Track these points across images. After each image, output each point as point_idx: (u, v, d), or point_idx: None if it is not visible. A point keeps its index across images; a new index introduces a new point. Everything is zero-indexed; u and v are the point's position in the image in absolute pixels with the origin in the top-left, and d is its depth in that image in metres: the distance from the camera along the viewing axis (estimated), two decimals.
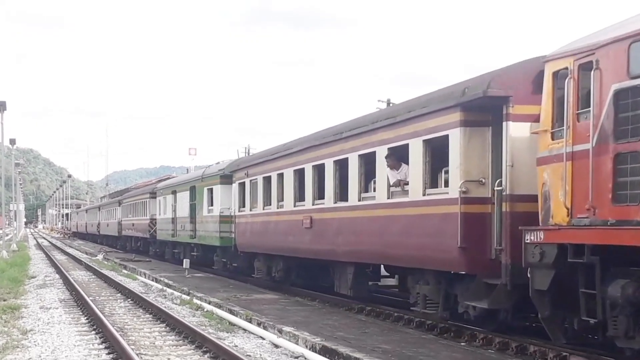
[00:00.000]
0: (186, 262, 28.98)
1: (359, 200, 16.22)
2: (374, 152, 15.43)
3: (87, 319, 16.66)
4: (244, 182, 24.39)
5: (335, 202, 17.43)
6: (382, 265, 17.25)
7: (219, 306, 17.80)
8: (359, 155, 16.19)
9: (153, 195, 41.41)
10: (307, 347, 12.39)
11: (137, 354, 11.56)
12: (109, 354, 12.30)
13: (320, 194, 18.59)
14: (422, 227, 13.75)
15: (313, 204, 18.77)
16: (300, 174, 19.75)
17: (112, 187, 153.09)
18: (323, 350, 11.90)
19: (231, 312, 16.78)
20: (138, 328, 15.20)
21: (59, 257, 46.12)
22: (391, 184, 14.89)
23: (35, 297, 21.52)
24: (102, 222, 66.58)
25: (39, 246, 66.34)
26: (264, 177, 22.38)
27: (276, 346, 12.84)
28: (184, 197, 33.14)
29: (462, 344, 12.76)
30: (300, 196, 19.75)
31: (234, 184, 25.92)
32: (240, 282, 24.70)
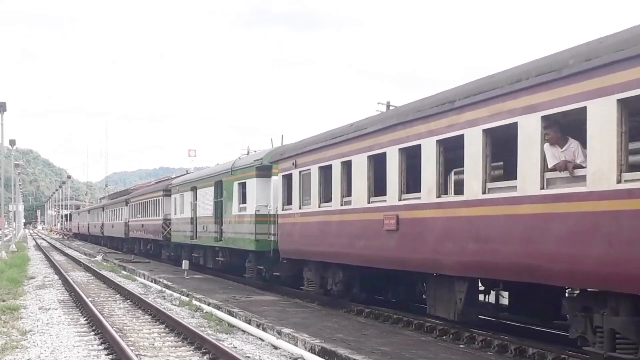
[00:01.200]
0: (185, 264, 29.01)
1: (485, 192, 11.86)
2: (515, 124, 11.12)
3: (86, 319, 16.66)
4: (290, 175, 20.21)
5: (439, 196, 13.19)
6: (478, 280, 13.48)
7: (218, 307, 17.80)
8: (484, 131, 11.86)
9: (167, 192, 37.27)
10: (306, 348, 12.40)
11: (136, 355, 11.56)
12: (108, 354, 12.29)
13: (412, 186, 14.39)
14: (621, 230, 9.17)
15: (400, 199, 14.39)
16: (378, 161, 15.50)
17: (111, 188, 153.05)
18: (322, 352, 11.90)
19: (230, 313, 16.79)
20: (137, 329, 15.20)
21: (58, 257, 46.11)
22: (549, 166, 10.60)
23: (35, 297, 21.52)
24: (106, 223, 62.95)
25: (38, 247, 66.30)
26: (320, 167, 18.30)
27: (275, 348, 12.84)
28: (206, 194, 28.99)
29: (461, 346, 12.77)
30: (377, 189, 15.60)
31: (274, 177, 22.22)
32: (239, 284, 24.72)
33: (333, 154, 17.63)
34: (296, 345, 12.70)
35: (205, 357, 11.98)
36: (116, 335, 13.11)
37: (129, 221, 49.38)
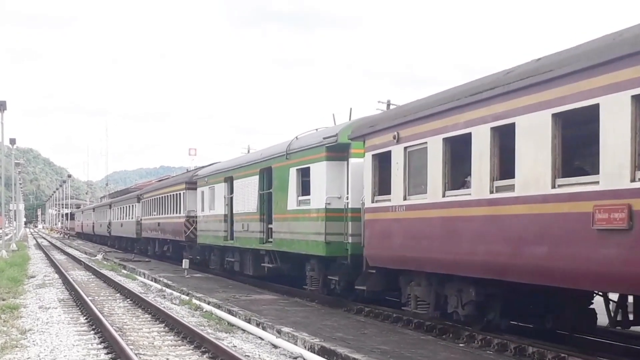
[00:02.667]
0: (185, 263, 28.97)
1: None
2: None
3: (86, 318, 16.66)
4: (387, 153, 15.00)
5: None
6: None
7: (218, 306, 17.81)
8: None
9: (191, 185, 32.21)
10: (305, 347, 12.40)
11: (135, 354, 11.56)
12: (107, 353, 12.30)
13: None
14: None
15: (635, 179, 9.11)
16: (572, 122, 10.69)
17: (112, 187, 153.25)
18: (322, 351, 11.90)
19: (230, 312, 16.79)
20: (137, 328, 15.21)
21: (58, 257, 46.12)
22: None
23: (35, 296, 21.53)
24: (113, 222, 57.92)
25: (39, 246, 66.33)
26: (446, 139, 13.12)
27: (275, 347, 12.84)
28: (247, 186, 23.78)
29: (461, 345, 12.77)
30: (567, 168, 10.84)
31: (354, 160, 17.40)
32: (239, 283, 24.71)
33: (474, 117, 12.25)
34: (296, 344, 12.70)
35: (204, 356, 11.99)
36: (116, 334, 13.11)
37: (141, 219, 44.63)
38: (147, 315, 17.27)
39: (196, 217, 31.07)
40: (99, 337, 13.91)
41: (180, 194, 34.18)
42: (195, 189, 31.23)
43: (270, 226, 21.72)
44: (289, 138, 20.99)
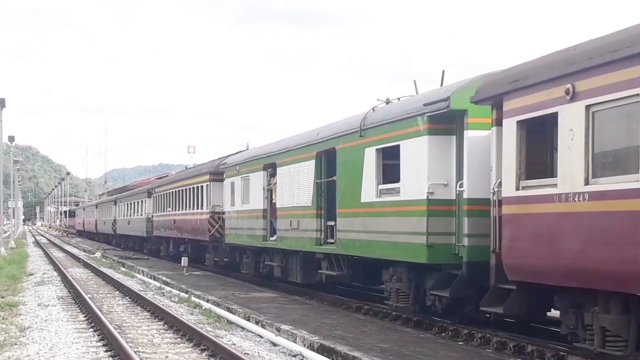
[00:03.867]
0: (184, 260, 28.94)
1: None
2: None
3: (85, 316, 16.66)
4: (550, 117, 10.47)
5: None
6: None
7: (217, 304, 17.80)
8: None
9: (217, 176, 28.05)
10: (305, 345, 12.40)
11: (135, 352, 11.56)
12: (107, 351, 12.30)
13: None
14: None
15: None
16: None
17: (110, 184, 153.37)
18: (321, 349, 11.90)
19: (229, 310, 16.79)
20: (136, 326, 15.20)
21: (57, 254, 46.10)
22: None
23: (34, 294, 21.52)
24: (119, 219, 53.44)
25: (37, 243, 66.30)
26: None
27: (274, 344, 12.84)
28: (297, 173, 19.35)
29: (460, 343, 12.76)
30: None
31: (469, 132, 12.99)
32: (238, 280, 24.70)
33: None
34: (295, 342, 12.69)
35: (204, 354, 11.98)
36: (115, 332, 13.11)
37: (152, 216, 40.53)
38: (146, 313, 17.26)
39: (223, 212, 26.84)
40: (98, 335, 13.90)
41: (202, 186, 29.51)
42: (222, 180, 26.89)
43: (330, 223, 17.64)
44: (357, 113, 16.76)
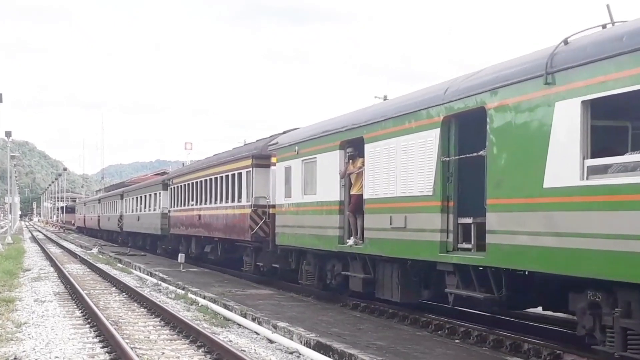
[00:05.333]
0: (181, 257, 28.89)
1: None
2: None
3: (81, 312, 16.65)
4: None
5: None
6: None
7: (214, 301, 17.80)
8: None
9: (261, 161, 22.75)
10: (301, 342, 12.40)
11: (131, 348, 11.55)
12: (103, 347, 12.29)
13: None
14: None
15: None
16: None
17: (107, 180, 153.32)
18: (317, 346, 11.91)
19: (226, 307, 16.79)
20: (132, 322, 15.19)
21: (53, 250, 46.07)
22: None
23: (30, 290, 21.50)
24: (126, 215, 48.78)
25: (34, 239, 66.24)
26: None
27: (271, 341, 12.85)
28: (401, 150, 14.09)
29: (456, 341, 12.79)
30: None
31: None
32: (235, 277, 24.70)
33: None
34: (292, 339, 12.70)
35: (200, 351, 11.98)
36: (111, 328, 13.10)
37: (169, 211, 35.34)
38: (142, 310, 17.25)
39: (270, 206, 21.99)
40: (94, 331, 13.89)
41: (241, 173, 24.00)
42: (268, 166, 22.43)
43: (465, 220, 12.64)
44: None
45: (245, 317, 15.29)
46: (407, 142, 13.87)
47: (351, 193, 16.43)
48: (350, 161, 16.39)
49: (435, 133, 12.96)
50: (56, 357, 11.31)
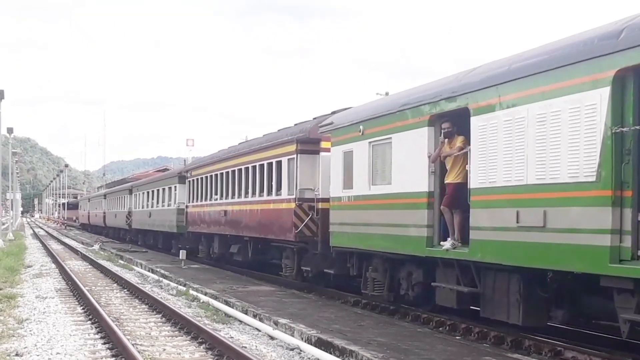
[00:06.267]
0: (182, 253, 28.84)
1: None
2: None
3: (83, 308, 16.66)
4: None
5: None
6: None
7: (215, 297, 17.81)
8: None
9: (308, 146, 19.58)
10: (302, 339, 12.41)
11: (132, 344, 11.56)
12: (104, 344, 12.30)
13: None
14: None
15: None
16: None
17: (109, 177, 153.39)
18: (319, 343, 11.92)
19: (227, 303, 16.80)
20: (134, 318, 15.21)
21: (55, 246, 46.09)
22: None
23: (32, 286, 21.51)
24: (136, 211, 45.41)
25: (36, 236, 66.26)
26: None
27: (272, 338, 12.86)
28: (533, 121, 10.68)
29: (458, 337, 12.79)
30: None
31: None
32: (236, 274, 24.70)
33: None
34: (293, 336, 12.71)
35: (201, 347, 11.99)
36: (113, 325, 13.11)
37: (187, 206, 32.07)
38: (144, 306, 17.26)
39: (315, 200, 19.10)
40: (95, 327, 13.90)
41: (282, 161, 20.73)
42: (316, 152, 19.40)
43: None
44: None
45: (246, 313, 15.30)
46: (548, 110, 10.36)
47: (446, 182, 12.99)
48: (446, 140, 13.01)
49: (601, 94, 9.45)
50: (57, 353, 11.31)
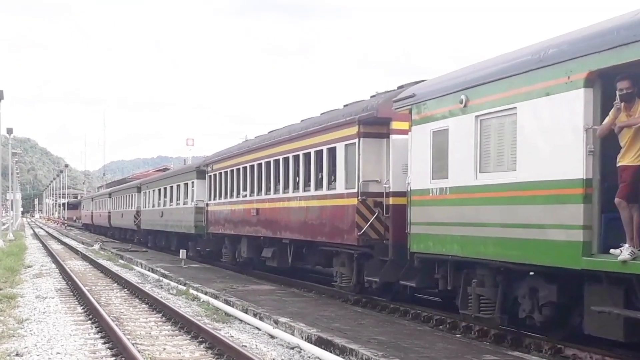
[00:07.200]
0: (182, 253, 28.83)
1: None
2: None
3: (83, 308, 16.65)
4: None
5: None
6: None
7: (215, 297, 17.81)
8: None
9: (373, 128, 16.12)
10: (302, 338, 12.41)
11: (132, 344, 11.56)
12: (104, 343, 12.30)
13: None
14: None
15: None
16: None
17: (109, 177, 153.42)
18: (319, 341, 11.91)
19: (227, 302, 16.79)
20: (134, 318, 15.20)
21: (55, 246, 46.08)
22: None
23: (32, 286, 21.50)
24: (145, 211, 42.23)
25: (36, 236, 66.26)
26: None
27: (272, 337, 12.85)
28: None
29: (458, 335, 12.79)
30: None
31: None
32: (236, 273, 24.68)
33: None
34: (293, 335, 12.71)
35: (201, 346, 11.98)
36: (113, 324, 13.11)
37: (207, 204, 28.75)
38: (144, 305, 17.26)
39: (385, 194, 15.69)
40: (96, 327, 13.90)
41: (336, 148, 17.36)
42: (385, 135, 15.86)
43: None
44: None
45: (246, 312, 15.30)
46: None
47: (619, 164, 9.48)
48: (623, 105, 9.50)
49: None
50: (58, 353, 11.31)
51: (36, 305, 16.98)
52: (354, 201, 16.06)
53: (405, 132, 14.59)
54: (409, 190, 14.10)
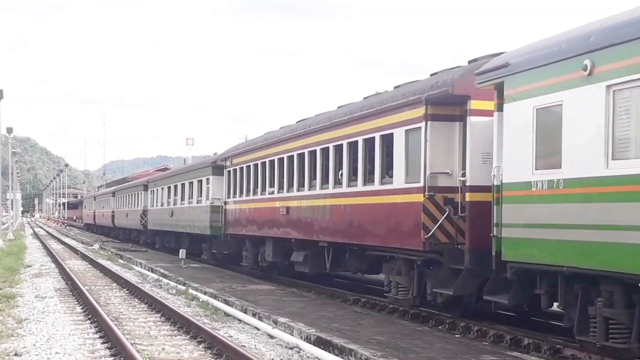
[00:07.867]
0: (182, 252, 28.82)
1: None
2: None
3: (82, 308, 16.65)
4: None
5: None
6: None
7: (215, 297, 17.81)
8: None
9: (442, 109, 13.46)
10: (302, 338, 12.41)
11: (131, 344, 11.55)
12: (103, 343, 12.30)
13: None
14: None
15: None
16: None
17: (109, 176, 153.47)
18: (318, 341, 11.91)
19: (226, 302, 16.79)
20: (133, 318, 15.20)
21: (55, 246, 46.09)
22: None
23: (31, 286, 21.51)
24: (152, 210, 40.04)
25: (36, 235, 66.27)
26: None
27: (271, 337, 12.85)
28: None
29: (457, 335, 12.79)
30: None
31: None
32: (236, 273, 24.68)
33: None
34: (292, 335, 12.70)
35: (200, 346, 11.98)
36: (112, 324, 13.10)
37: (225, 202, 26.56)
38: (143, 305, 17.26)
39: (460, 189, 13.28)
40: (95, 327, 13.90)
41: (392, 135, 14.85)
42: (458, 118, 13.44)
43: None
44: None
45: (245, 312, 15.29)
46: None
47: None
48: None
49: None
50: (57, 352, 11.31)
51: (35, 305, 16.98)
52: (419, 197, 13.42)
53: (486, 113, 12.32)
54: (496, 184, 11.50)
